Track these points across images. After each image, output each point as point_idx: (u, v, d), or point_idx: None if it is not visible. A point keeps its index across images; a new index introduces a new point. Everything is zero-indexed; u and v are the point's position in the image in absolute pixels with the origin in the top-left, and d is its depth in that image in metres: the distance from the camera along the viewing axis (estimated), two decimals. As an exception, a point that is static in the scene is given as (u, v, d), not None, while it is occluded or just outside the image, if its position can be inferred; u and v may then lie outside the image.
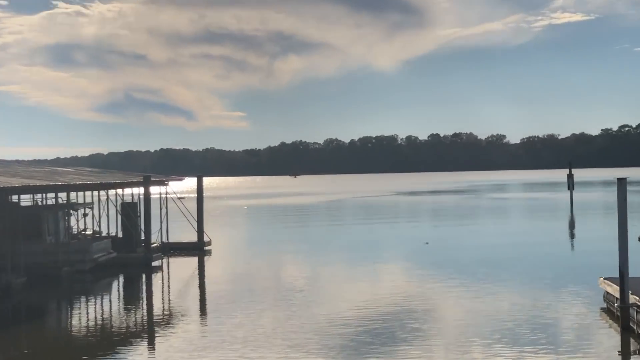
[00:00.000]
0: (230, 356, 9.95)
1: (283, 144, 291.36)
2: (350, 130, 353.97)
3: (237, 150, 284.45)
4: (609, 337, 10.74)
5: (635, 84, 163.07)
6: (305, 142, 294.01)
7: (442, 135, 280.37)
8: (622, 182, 10.22)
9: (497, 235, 28.89)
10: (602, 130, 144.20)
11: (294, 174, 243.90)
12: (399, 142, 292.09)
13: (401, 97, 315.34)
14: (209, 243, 26.29)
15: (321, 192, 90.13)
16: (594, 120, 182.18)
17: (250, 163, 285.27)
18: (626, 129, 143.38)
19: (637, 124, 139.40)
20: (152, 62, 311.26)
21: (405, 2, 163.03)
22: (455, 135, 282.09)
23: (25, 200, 21.21)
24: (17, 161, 31.58)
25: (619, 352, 9.88)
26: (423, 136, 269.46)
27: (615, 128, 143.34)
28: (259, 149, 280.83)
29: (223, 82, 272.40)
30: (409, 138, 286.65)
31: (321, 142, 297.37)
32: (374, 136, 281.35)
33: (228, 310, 13.88)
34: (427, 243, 25.91)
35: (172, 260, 23.50)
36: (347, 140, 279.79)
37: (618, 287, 10.67)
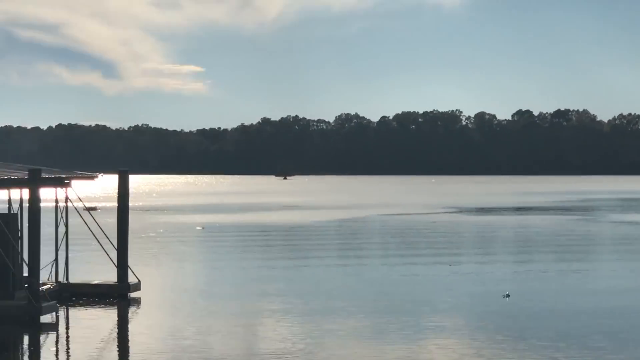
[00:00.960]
0: None
1: (266, 122, 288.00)
2: (379, 102, 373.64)
3: (187, 130, 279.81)
4: None
5: None
6: (303, 119, 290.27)
7: (536, 113, 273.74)
8: None
9: (629, 288, 28.64)
10: None
11: (284, 172, 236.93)
12: (464, 122, 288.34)
13: (467, 48, 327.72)
14: (137, 286, 26.18)
15: (327, 205, 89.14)
16: None
17: (209, 152, 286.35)
18: None
19: None
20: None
21: None
22: (558, 113, 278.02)
23: None
24: None
25: None
26: (504, 114, 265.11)
27: None
28: (225, 129, 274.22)
29: (165, 16, 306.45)
30: (480, 117, 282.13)
31: (330, 119, 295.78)
32: (420, 112, 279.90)
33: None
34: (507, 296, 26.06)
35: (75, 313, 23.53)
36: (374, 119, 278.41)
37: None
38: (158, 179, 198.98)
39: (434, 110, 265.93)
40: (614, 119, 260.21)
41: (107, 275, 26.57)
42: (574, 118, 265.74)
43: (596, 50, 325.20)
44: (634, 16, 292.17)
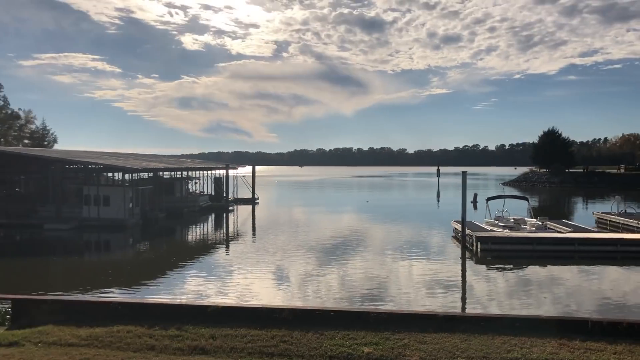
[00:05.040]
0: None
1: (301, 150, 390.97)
2: (326, 143, 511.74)
3: (271, 152, 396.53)
4: (456, 250, 25.70)
5: (468, 125, 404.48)
6: (305, 150, 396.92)
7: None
8: (464, 173, 26.55)
9: (402, 199, 61.02)
10: (455, 147, 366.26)
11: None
12: (354, 151, 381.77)
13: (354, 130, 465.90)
14: (257, 200, 53.66)
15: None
16: (453, 142, 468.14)
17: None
18: (467, 147, 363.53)
19: (473, 144, 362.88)
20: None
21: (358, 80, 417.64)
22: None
23: (166, 175, 48.27)
24: (164, 155, 71.80)
25: (460, 257, 24.15)
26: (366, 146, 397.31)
27: (461, 146, 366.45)
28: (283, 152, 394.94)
29: (268, 118, 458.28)
30: (359, 150, 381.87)
31: (314, 149, 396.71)
32: (333, 148, 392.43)
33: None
34: (367, 201, 55.69)
35: (239, 207, 50.04)
36: (330, 147, 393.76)
37: (460, 225, 26.56)
38: (262, 168, 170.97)
39: (339, 147, 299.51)
40: (398, 150, 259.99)
41: (249, 194, 43.59)
42: (380, 149, 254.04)
43: (393, 131, 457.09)
44: (408, 119, 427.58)
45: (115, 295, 16.48)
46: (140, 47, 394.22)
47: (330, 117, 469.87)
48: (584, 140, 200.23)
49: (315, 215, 41.81)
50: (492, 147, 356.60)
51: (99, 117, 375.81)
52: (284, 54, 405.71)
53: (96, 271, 20.90)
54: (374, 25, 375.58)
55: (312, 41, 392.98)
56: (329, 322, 9.39)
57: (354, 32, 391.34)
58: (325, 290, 17.18)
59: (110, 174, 44.38)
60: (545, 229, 28.31)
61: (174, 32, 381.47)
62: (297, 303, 15.48)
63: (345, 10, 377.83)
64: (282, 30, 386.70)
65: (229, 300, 16.02)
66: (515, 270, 21.04)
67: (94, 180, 38.73)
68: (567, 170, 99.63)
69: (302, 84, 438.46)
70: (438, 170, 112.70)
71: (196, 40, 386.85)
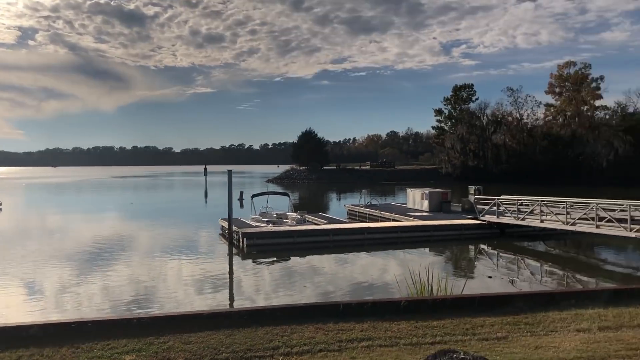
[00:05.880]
0: None
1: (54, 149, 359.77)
2: (84, 141, 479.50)
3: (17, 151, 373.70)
4: (224, 247, 26.24)
5: (233, 124, 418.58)
6: (59, 149, 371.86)
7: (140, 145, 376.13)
8: (230, 172, 26.85)
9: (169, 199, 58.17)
10: (221, 146, 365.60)
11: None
12: (116, 150, 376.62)
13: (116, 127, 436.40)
14: (0, 205, 47.09)
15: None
16: (219, 141, 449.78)
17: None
18: (233, 146, 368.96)
19: (238, 143, 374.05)
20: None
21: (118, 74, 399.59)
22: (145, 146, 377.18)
23: None
24: None
25: (227, 254, 24.59)
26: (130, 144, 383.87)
27: (227, 145, 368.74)
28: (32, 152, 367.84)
29: (13, 113, 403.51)
30: (122, 149, 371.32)
31: (70, 148, 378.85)
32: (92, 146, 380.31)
33: None
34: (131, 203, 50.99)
35: None
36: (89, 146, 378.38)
37: (227, 223, 27.41)
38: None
39: (98, 144, 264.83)
40: (163, 148, 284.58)
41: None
42: (148, 148, 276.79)
43: (154, 125, 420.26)
44: (174, 115, 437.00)
45: None
46: None
47: (88, 113, 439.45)
48: (337, 140, 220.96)
49: (73, 221, 38.62)
50: (256, 147, 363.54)
51: None
52: (31, 42, 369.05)
53: None
54: (134, 18, 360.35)
55: (64, 30, 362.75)
56: (87, 334, 8.72)
57: (112, 23, 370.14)
58: (87, 301, 15.93)
59: None
60: (304, 222, 30.18)
61: None
62: (52, 318, 14.01)
63: (102, 0, 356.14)
64: (28, 16, 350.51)
65: (-36, 323, 13.71)
66: (279, 263, 22.05)
67: None
68: (322, 168, 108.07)
69: (53, 75, 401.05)
70: (205, 169, 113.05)
71: None
